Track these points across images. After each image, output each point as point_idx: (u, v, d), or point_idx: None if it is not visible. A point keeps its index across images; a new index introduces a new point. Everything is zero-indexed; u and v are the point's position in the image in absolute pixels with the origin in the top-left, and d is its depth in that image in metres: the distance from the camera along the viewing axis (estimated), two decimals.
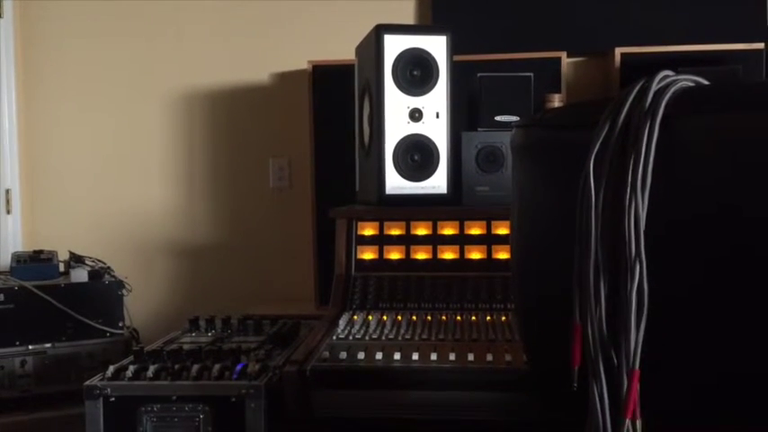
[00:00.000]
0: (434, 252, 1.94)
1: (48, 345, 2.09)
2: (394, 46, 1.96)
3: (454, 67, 2.01)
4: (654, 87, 0.79)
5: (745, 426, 0.76)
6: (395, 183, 1.98)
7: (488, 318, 1.76)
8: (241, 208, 2.68)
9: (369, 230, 1.98)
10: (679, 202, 0.77)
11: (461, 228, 1.95)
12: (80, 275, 2.16)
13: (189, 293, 2.69)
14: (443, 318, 1.76)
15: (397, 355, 1.50)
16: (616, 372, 0.78)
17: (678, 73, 0.82)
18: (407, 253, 1.95)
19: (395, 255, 1.95)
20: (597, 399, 0.80)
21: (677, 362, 0.78)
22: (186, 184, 2.70)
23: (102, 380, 1.54)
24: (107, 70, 2.70)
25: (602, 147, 0.81)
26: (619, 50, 2.33)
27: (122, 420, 1.52)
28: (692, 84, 0.82)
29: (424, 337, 1.63)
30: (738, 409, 0.76)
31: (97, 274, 2.20)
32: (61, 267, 2.26)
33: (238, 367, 1.56)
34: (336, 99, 2.40)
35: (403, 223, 1.97)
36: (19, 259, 2.19)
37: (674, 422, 0.79)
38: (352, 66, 2.24)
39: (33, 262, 2.20)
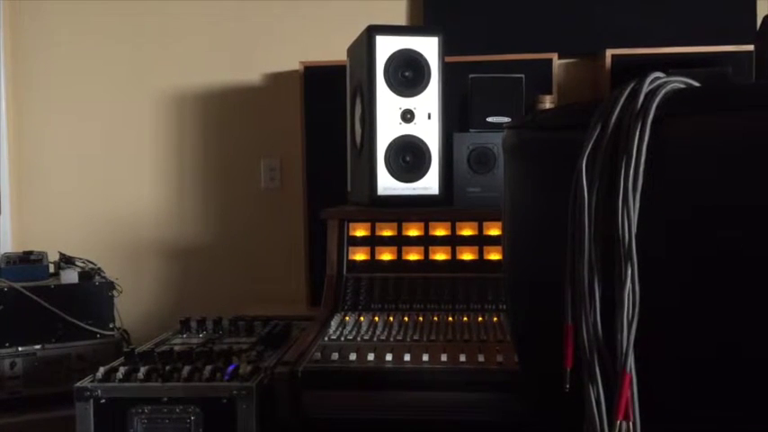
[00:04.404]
0: (426, 253, 1.95)
1: (37, 346, 2.07)
2: (386, 47, 1.96)
3: (446, 68, 2.01)
4: (645, 89, 0.79)
5: (737, 425, 0.76)
6: (386, 183, 1.98)
7: (480, 318, 1.76)
8: (232, 208, 2.67)
9: (360, 231, 1.98)
10: (671, 203, 0.77)
11: (453, 229, 1.96)
12: (70, 276, 2.14)
13: (180, 294, 2.68)
14: (435, 319, 1.76)
15: (388, 356, 1.50)
16: (611, 374, 0.78)
17: (669, 74, 0.82)
18: (399, 254, 1.95)
19: (386, 255, 1.95)
20: (594, 402, 0.79)
21: (669, 362, 0.78)
22: (177, 185, 2.69)
23: (92, 381, 1.53)
24: (97, 70, 2.69)
25: (593, 148, 0.81)
26: (610, 52, 2.34)
27: (113, 422, 1.51)
28: (682, 85, 0.82)
29: (416, 338, 1.64)
30: (731, 408, 0.76)
31: (87, 275, 2.19)
32: (51, 268, 2.24)
33: (230, 368, 1.55)
34: (328, 100, 2.40)
35: (395, 224, 1.97)
36: (9, 260, 2.18)
37: (667, 423, 0.79)
38: (344, 66, 2.24)
39: (23, 263, 2.18)
